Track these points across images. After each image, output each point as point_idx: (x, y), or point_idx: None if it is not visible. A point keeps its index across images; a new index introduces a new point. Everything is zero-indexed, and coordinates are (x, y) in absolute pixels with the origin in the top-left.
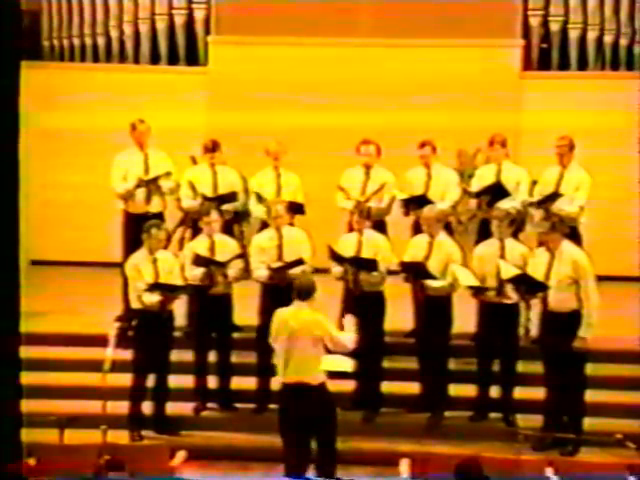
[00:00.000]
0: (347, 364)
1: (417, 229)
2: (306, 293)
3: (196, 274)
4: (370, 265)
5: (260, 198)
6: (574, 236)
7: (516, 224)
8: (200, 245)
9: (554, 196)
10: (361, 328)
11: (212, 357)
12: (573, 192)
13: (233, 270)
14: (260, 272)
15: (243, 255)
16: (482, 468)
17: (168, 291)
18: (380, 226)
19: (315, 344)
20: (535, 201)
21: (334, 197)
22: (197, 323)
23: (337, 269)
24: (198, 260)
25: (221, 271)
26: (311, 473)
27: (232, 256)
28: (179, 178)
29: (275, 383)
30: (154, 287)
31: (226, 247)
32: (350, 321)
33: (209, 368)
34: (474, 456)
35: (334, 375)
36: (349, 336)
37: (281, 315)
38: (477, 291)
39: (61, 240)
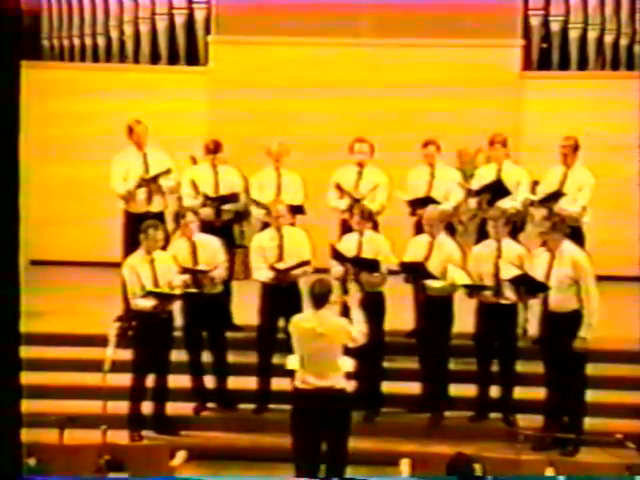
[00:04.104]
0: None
1: (419, 229)
2: (321, 300)
3: (183, 280)
4: (372, 266)
5: (258, 204)
6: (577, 236)
7: (515, 224)
8: (181, 249)
9: (557, 195)
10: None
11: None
12: (576, 192)
13: (218, 272)
14: (264, 272)
15: (239, 252)
16: (471, 462)
17: (163, 299)
18: (373, 226)
19: (339, 349)
20: (537, 199)
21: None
22: (187, 322)
23: (337, 269)
24: (184, 271)
25: (206, 276)
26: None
27: (215, 259)
28: (179, 178)
29: (277, 384)
30: (148, 295)
31: (207, 246)
32: (353, 302)
33: (207, 368)
34: (461, 453)
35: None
36: (359, 330)
37: (302, 321)
38: (472, 290)
39: (61, 240)
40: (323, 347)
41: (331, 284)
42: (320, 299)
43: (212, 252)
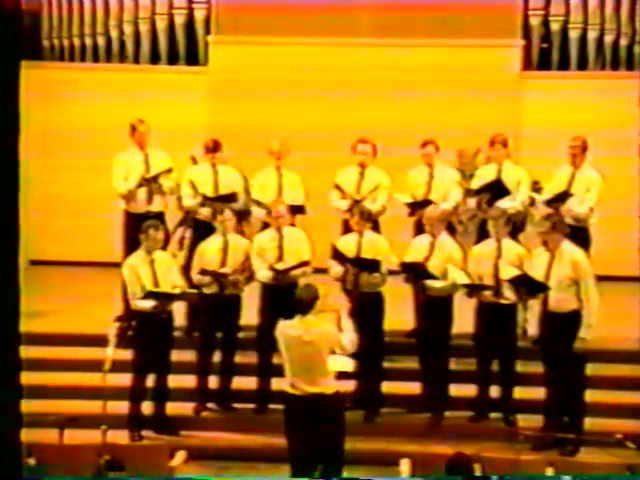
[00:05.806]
0: (347, 364)
1: (419, 229)
2: (307, 307)
3: (203, 280)
4: (373, 266)
5: (259, 204)
6: (584, 237)
7: (515, 224)
8: (213, 245)
9: (564, 195)
10: (361, 328)
11: (214, 357)
12: (584, 193)
13: (244, 276)
14: (264, 273)
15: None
16: (470, 462)
17: (163, 299)
18: (374, 226)
19: (327, 354)
20: (545, 200)
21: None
22: (203, 323)
23: (336, 269)
24: (206, 273)
25: (230, 280)
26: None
27: (242, 260)
28: (179, 178)
29: (277, 384)
30: (149, 295)
31: (238, 247)
32: (344, 311)
33: (211, 368)
34: (461, 453)
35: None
36: (349, 338)
37: (288, 328)
38: (472, 290)
39: (61, 240)
40: (310, 354)
41: (318, 290)
42: (306, 305)
43: (243, 253)
